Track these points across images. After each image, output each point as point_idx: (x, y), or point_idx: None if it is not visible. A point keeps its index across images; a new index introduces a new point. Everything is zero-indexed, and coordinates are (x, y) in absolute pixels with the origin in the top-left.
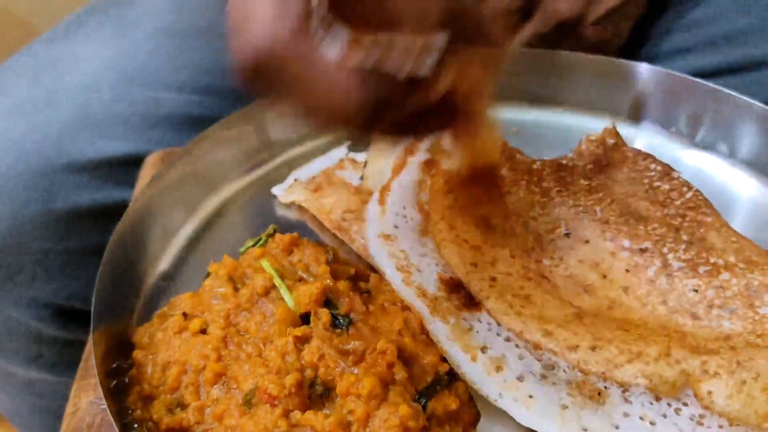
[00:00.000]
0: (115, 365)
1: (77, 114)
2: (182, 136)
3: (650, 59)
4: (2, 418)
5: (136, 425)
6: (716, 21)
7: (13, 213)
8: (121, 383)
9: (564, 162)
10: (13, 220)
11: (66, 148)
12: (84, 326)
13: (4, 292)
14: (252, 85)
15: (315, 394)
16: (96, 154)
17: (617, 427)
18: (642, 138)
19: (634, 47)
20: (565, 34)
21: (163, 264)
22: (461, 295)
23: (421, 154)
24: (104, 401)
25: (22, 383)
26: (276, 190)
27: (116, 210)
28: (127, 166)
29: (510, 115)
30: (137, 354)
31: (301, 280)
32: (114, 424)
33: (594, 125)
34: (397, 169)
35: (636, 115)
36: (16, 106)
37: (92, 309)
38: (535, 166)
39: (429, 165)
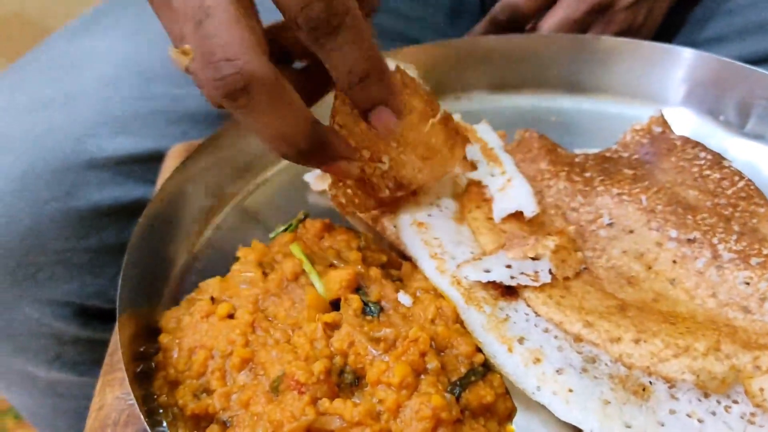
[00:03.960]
0: (141, 349)
1: (97, 111)
2: (202, 131)
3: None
4: (24, 421)
5: (161, 411)
6: (748, 10)
7: (34, 212)
8: (147, 368)
9: (608, 154)
10: (33, 219)
11: (86, 146)
12: (106, 325)
13: (25, 292)
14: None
15: (344, 382)
16: (116, 152)
17: (663, 425)
18: (689, 126)
19: (669, 36)
20: (595, 19)
21: (194, 248)
22: (497, 284)
23: None
24: (131, 396)
25: (44, 384)
26: (308, 177)
27: (138, 207)
28: (148, 163)
29: (549, 103)
30: (163, 338)
31: (331, 266)
32: (139, 409)
33: (638, 113)
34: None
35: (682, 102)
36: (34, 104)
37: (118, 292)
38: (577, 159)
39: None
